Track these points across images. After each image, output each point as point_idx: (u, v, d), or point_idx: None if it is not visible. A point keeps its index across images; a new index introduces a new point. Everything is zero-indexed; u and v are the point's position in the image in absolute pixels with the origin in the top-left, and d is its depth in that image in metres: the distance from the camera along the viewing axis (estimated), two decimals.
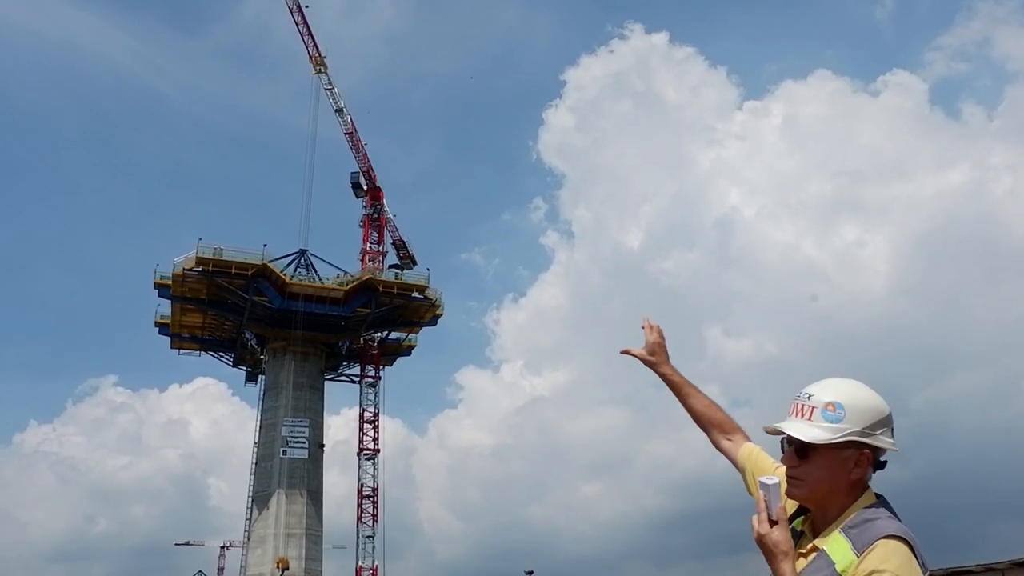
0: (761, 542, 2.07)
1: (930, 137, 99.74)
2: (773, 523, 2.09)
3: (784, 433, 2.19)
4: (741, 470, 2.59)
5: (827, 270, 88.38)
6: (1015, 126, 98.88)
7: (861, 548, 2.01)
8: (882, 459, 2.23)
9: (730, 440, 2.69)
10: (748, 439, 2.66)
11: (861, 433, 2.14)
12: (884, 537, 2.00)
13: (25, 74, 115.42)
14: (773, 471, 2.36)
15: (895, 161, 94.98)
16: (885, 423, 2.21)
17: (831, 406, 2.14)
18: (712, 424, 2.75)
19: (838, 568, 2.02)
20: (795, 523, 2.24)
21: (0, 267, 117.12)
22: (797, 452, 2.17)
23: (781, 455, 2.27)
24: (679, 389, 2.83)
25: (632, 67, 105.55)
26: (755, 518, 2.11)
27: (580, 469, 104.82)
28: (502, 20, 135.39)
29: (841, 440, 2.12)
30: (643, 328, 2.87)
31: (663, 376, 2.85)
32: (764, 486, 2.13)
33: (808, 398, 2.19)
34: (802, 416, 2.17)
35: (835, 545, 2.07)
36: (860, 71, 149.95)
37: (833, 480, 2.14)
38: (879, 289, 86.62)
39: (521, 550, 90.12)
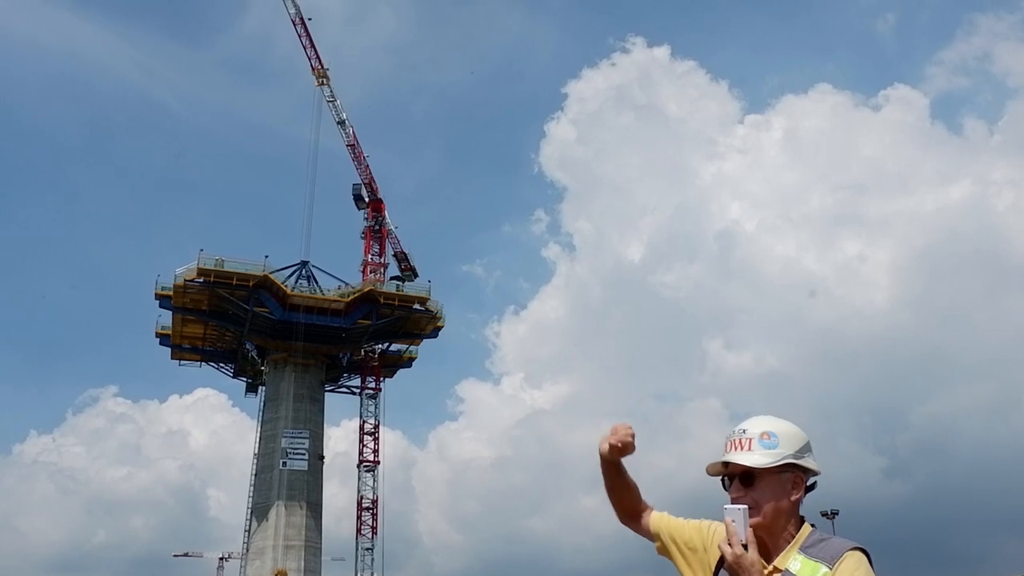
0: (737, 564, 2.17)
1: (931, 151, 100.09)
2: (743, 547, 2.21)
3: (733, 463, 2.37)
4: (655, 535, 2.71)
5: (828, 283, 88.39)
6: (1016, 141, 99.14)
7: (831, 560, 2.20)
8: (811, 481, 2.44)
9: (640, 517, 2.80)
10: (652, 509, 2.80)
11: (795, 456, 2.36)
12: (851, 549, 2.22)
13: (29, 84, 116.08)
14: (687, 527, 2.60)
15: (896, 175, 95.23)
16: (808, 448, 2.43)
17: (766, 435, 2.37)
18: (630, 515, 2.82)
19: None
20: None
21: (1, 275, 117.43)
22: (742, 481, 2.35)
23: (727, 492, 2.42)
24: (623, 479, 2.79)
25: (634, 80, 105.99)
26: (724, 544, 2.22)
27: (580, 481, 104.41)
28: (504, 32, 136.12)
29: (780, 463, 2.34)
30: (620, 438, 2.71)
31: (617, 466, 2.77)
32: (731, 511, 2.25)
33: (743, 432, 2.40)
34: (741, 448, 2.38)
35: (801, 565, 2.24)
36: (861, 85, 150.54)
37: (778, 504, 2.33)
38: (881, 302, 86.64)
39: (521, 563, 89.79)
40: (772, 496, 2.33)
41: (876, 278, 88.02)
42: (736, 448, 2.39)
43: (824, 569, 2.19)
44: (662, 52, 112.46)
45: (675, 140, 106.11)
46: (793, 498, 2.35)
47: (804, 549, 2.28)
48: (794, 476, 2.36)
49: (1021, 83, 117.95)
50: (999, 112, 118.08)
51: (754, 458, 2.33)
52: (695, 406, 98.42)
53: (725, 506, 2.29)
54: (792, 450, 2.36)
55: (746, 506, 2.27)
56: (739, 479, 2.36)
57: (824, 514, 35.27)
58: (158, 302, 48.51)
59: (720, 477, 2.47)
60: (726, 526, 2.23)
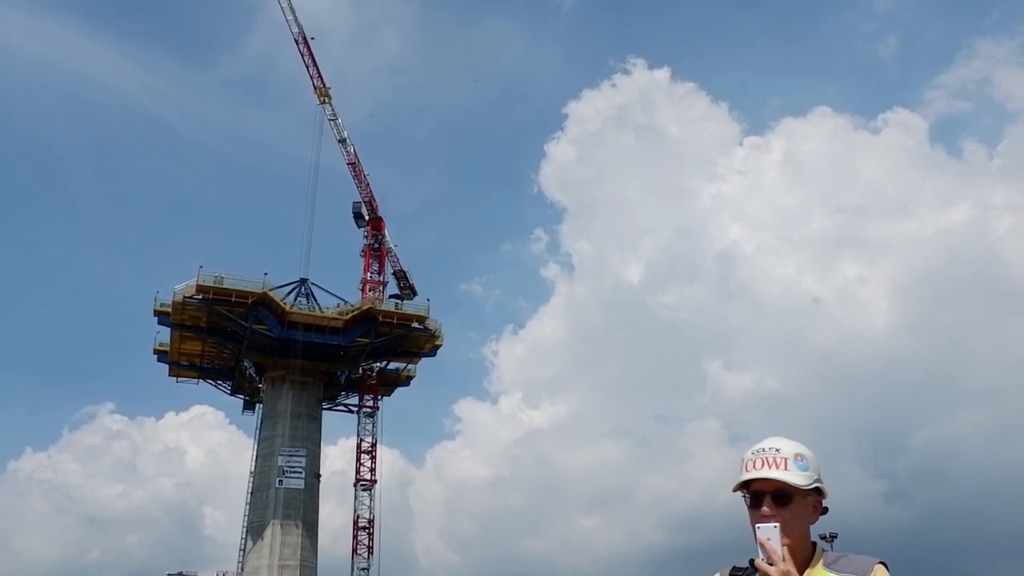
0: None
1: (931, 175, 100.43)
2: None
3: (772, 479, 2.36)
4: None
5: (828, 306, 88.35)
6: (1016, 165, 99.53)
7: (862, 574, 2.30)
8: (825, 504, 2.49)
9: None
10: None
11: (819, 480, 2.42)
12: (878, 563, 2.33)
13: (35, 101, 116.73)
14: None
15: (896, 198, 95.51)
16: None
17: (799, 456, 2.40)
18: None
19: None
20: None
21: (1, 291, 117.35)
22: (776, 500, 2.35)
23: (752, 510, 2.40)
24: None
25: (635, 101, 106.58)
26: (762, 562, 2.25)
27: (579, 502, 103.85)
28: (506, 54, 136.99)
29: (812, 486, 2.38)
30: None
31: None
32: (767, 530, 2.27)
33: (777, 451, 2.40)
34: (775, 467, 2.37)
35: None
36: (861, 108, 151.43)
37: (804, 525, 2.40)
38: (880, 325, 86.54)
39: None
40: (802, 517, 2.38)
41: (876, 301, 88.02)
42: (770, 466, 2.37)
43: None
44: (663, 74, 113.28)
45: (675, 161, 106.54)
46: (813, 521, 2.43)
47: (828, 566, 2.34)
48: (816, 500, 2.42)
49: (1021, 107, 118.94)
50: (999, 136, 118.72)
51: (792, 477, 2.35)
52: (695, 427, 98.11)
53: (759, 524, 2.30)
54: (817, 474, 2.42)
55: (779, 524, 2.29)
56: (772, 498, 2.36)
57: (823, 537, 34.77)
58: (156, 319, 48.46)
59: (743, 494, 2.46)
60: (762, 544, 2.25)
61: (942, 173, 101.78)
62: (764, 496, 2.37)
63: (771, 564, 2.23)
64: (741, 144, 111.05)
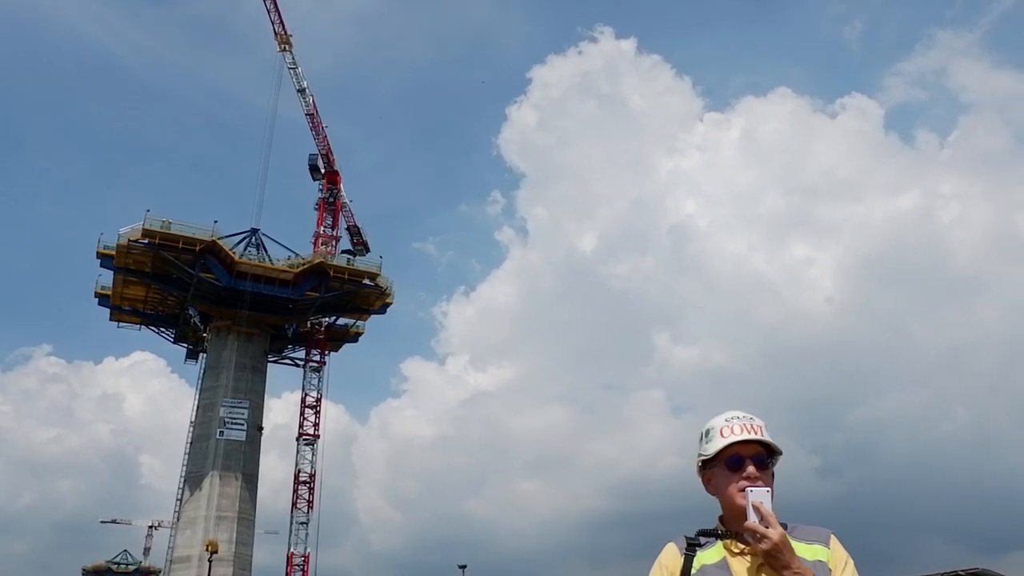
0: (784, 543, 2.20)
1: (884, 161, 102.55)
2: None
3: (764, 443, 2.41)
4: None
5: (776, 285, 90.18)
6: (965, 156, 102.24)
7: (824, 542, 2.38)
8: None
9: None
10: None
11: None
12: (832, 533, 2.42)
13: None
14: None
15: (848, 182, 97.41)
16: None
17: (766, 426, 2.46)
18: None
19: (824, 560, 2.33)
20: (713, 549, 2.39)
21: None
22: (757, 465, 2.38)
23: (730, 474, 2.40)
24: None
25: (600, 70, 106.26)
26: (756, 524, 2.23)
27: (521, 465, 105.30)
28: (474, 13, 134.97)
29: (782, 451, 2.47)
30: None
31: None
32: (760, 493, 2.27)
33: (751, 420, 2.45)
34: (753, 432, 2.41)
35: (803, 548, 2.32)
36: (821, 91, 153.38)
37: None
38: (825, 306, 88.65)
39: (457, 543, 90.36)
40: (772, 483, 2.41)
41: (822, 282, 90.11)
42: (751, 432, 2.40)
43: (823, 549, 2.35)
44: (629, 44, 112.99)
45: (636, 133, 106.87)
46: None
47: (791, 533, 2.33)
48: (773, 468, 2.47)
49: (974, 99, 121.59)
50: (951, 127, 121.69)
51: (773, 442, 2.42)
52: (640, 396, 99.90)
53: (751, 488, 2.29)
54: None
55: (770, 489, 2.32)
56: (754, 463, 2.38)
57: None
58: (99, 261, 47.16)
59: (700, 462, 2.49)
60: (757, 508, 2.23)
61: (894, 160, 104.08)
62: (744, 460, 2.38)
63: (768, 527, 2.21)
64: (702, 120, 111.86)
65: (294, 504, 49.39)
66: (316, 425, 51.15)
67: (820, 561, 2.31)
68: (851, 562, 2.37)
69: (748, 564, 2.31)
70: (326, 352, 53.62)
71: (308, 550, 48.57)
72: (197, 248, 45.37)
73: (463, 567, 47.73)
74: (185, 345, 55.11)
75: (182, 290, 47.81)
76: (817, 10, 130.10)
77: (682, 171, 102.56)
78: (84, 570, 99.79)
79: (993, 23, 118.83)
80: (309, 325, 52.59)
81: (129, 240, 44.98)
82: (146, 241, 44.96)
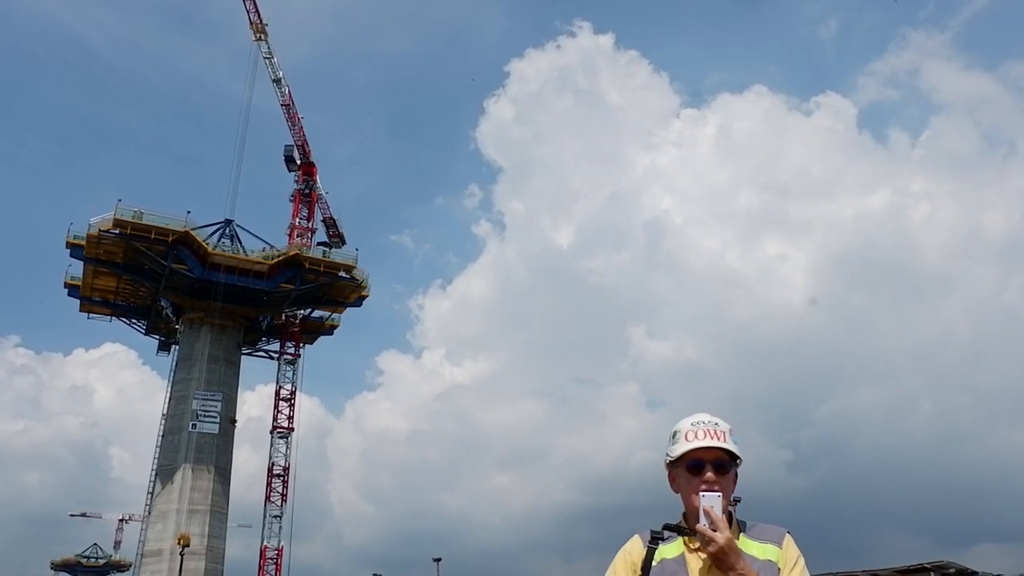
0: (730, 547, 2.34)
1: (856, 160, 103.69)
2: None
3: (723, 450, 2.51)
4: None
5: (749, 281, 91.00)
6: (936, 156, 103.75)
7: (778, 541, 2.50)
8: None
9: None
10: None
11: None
12: (787, 532, 2.54)
13: None
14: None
15: (821, 180, 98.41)
16: None
17: (732, 431, 2.57)
18: None
19: (773, 560, 2.46)
20: (674, 544, 2.53)
21: None
22: (716, 469, 2.50)
23: (690, 477, 2.52)
24: None
25: (577, 64, 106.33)
26: (705, 528, 2.36)
27: (495, 459, 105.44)
28: (452, 5, 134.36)
29: (742, 458, 2.57)
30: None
31: None
32: (711, 498, 2.39)
33: (716, 425, 2.56)
34: (717, 439, 2.52)
35: (755, 547, 2.48)
36: (796, 89, 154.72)
37: (731, 494, 2.56)
38: (797, 303, 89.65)
39: (431, 537, 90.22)
40: (732, 486, 2.54)
41: (794, 279, 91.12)
42: (713, 437, 2.52)
43: (774, 548, 2.48)
44: (607, 39, 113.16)
45: (613, 128, 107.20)
46: (733, 490, 2.59)
47: (747, 533, 2.52)
48: (735, 471, 2.58)
49: (945, 100, 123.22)
50: (923, 126, 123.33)
51: (733, 448, 2.53)
52: (613, 391, 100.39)
53: (703, 493, 2.41)
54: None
55: (721, 493, 2.43)
56: (714, 467, 2.50)
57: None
58: (69, 251, 46.43)
59: (669, 462, 2.61)
60: (707, 512, 2.36)
61: (867, 159, 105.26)
62: (704, 465, 2.50)
63: (715, 531, 2.34)
64: (678, 116, 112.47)
65: (268, 497, 49.10)
66: (290, 418, 50.86)
67: (770, 560, 2.45)
68: (801, 560, 2.50)
69: (703, 561, 2.44)
70: (301, 345, 53.29)
71: (281, 543, 48.37)
72: (169, 239, 44.83)
73: (438, 560, 47.76)
74: (157, 337, 54.52)
75: (154, 281, 47.22)
76: (793, 9, 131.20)
77: (658, 167, 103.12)
78: (52, 564, 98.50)
79: (964, 25, 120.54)
80: (284, 317, 52.21)
81: (100, 230, 44.32)
82: (117, 231, 44.31)
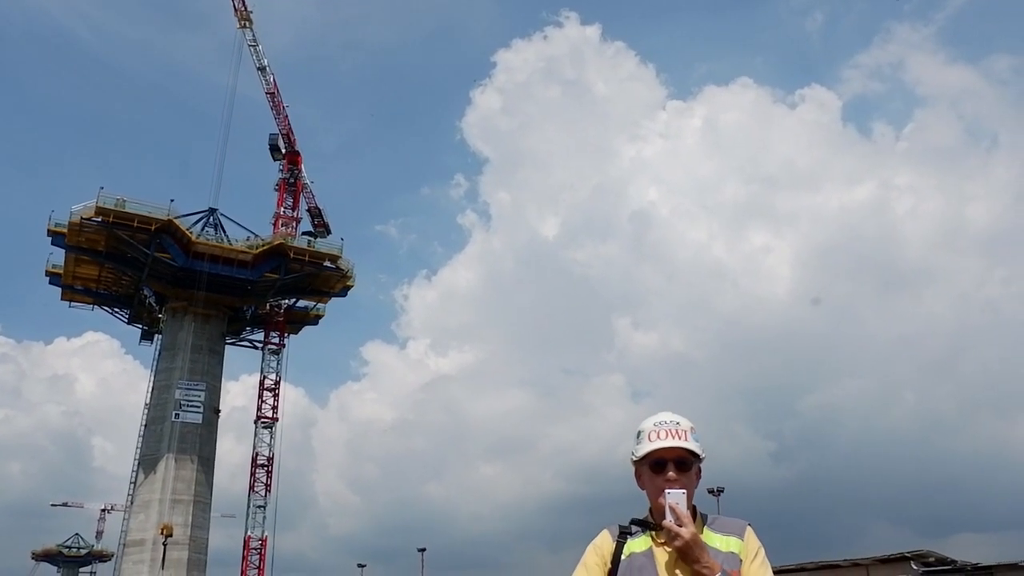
0: (695, 541, 2.44)
1: (841, 152, 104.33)
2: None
3: (683, 448, 2.60)
4: None
5: (735, 273, 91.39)
6: (920, 149, 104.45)
7: (739, 534, 2.61)
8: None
9: None
10: None
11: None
12: (747, 524, 2.65)
13: None
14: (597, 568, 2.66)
15: (806, 173, 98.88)
16: None
17: (693, 429, 2.67)
18: None
19: (736, 552, 2.56)
20: (642, 539, 2.61)
21: None
22: (678, 467, 2.59)
23: (653, 476, 2.61)
24: None
25: (564, 55, 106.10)
26: (671, 523, 2.45)
27: (481, 449, 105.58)
28: None
29: (703, 455, 2.66)
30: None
31: None
32: (676, 495, 2.49)
33: (677, 424, 2.65)
34: (679, 438, 2.62)
35: (719, 540, 2.58)
36: (781, 81, 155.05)
37: (694, 490, 2.65)
38: (782, 295, 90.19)
39: (416, 527, 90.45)
40: (694, 483, 2.64)
41: (779, 270, 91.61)
42: (675, 437, 2.62)
43: (736, 540, 2.58)
44: (594, 30, 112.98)
45: (600, 119, 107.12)
46: (697, 485, 2.68)
47: (709, 526, 2.62)
48: (698, 467, 2.68)
49: (929, 93, 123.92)
50: (907, 119, 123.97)
51: (693, 447, 2.62)
52: (600, 381, 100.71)
53: (668, 490, 2.50)
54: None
55: (685, 490, 2.53)
56: (676, 465, 2.59)
57: (710, 491, 36.90)
58: (51, 239, 45.89)
59: (634, 460, 2.70)
60: (672, 509, 2.46)
61: (851, 151, 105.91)
62: (667, 463, 2.60)
63: (680, 526, 2.44)
64: (664, 108, 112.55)
65: (251, 488, 48.92)
66: (275, 408, 50.69)
67: (732, 552, 2.56)
68: (762, 551, 2.62)
69: (668, 555, 2.55)
70: (285, 334, 53.04)
71: (265, 533, 48.24)
72: (153, 227, 44.41)
73: (422, 550, 47.81)
74: (140, 326, 54.11)
75: (137, 270, 46.80)
76: (780, 1, 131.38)
77: (644, 158, 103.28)
78: (34, 554, 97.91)
79: (948, 19, 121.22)
80: (268, 307, 51.92)
81: (82, 218, 43.84)
82: (99, 219, 43.86)
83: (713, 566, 2.44)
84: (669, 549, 2.52)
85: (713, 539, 2.57)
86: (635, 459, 2.69)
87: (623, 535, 2.63)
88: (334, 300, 54.03)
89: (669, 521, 2.46)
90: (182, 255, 45.71)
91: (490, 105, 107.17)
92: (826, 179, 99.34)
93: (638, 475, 2.72)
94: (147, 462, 45.78)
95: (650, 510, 2.67)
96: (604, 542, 2.67)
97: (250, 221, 66.63)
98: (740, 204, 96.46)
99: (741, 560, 2.55)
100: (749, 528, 2.65)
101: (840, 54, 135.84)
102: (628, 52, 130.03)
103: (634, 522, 2.65)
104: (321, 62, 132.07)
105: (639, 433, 2.70)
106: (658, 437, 2.62)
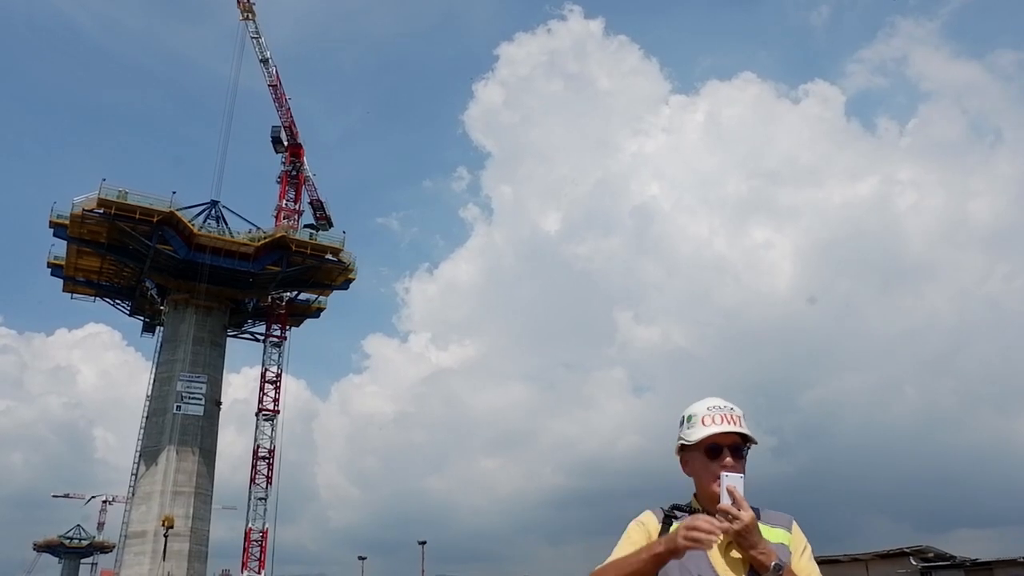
0: (754, 525, 2.38)
1: (844, 147, 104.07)
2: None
3: (741, 435, 2.57)
4: None
5: (736, 268, 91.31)
6: (924, 144, 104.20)
7: (787, 527, 2.59)
8: None
9: None
10: None
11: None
12: (793, 519, 2.62)
13: None
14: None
15: (809, 168, 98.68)
16: None
17: (744, 416, 2.63)
18: None
19: (785, 543, 2.53)
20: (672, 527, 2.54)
21: None
22: (734, 453, 2.55)
23: (708, 461, 2.56)
24: None
25: (568, 48, 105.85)
26: (730, 506, 2.37)
27: (482, 443, 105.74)
28: None
29: (757, 441, 2.63)
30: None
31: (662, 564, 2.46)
32: (734, 478, 2.42)
33: (731, 410, 2.62)
34: (733, 424, 2.57)
35: (766, 531, 2.50)
36: (785, 76, 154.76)
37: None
38: (783, 290, 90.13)
39: (417, 520, 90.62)
40: (744, 469, 2.57)
41: (781, 265, 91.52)
42: (730, 423, 2.57)
43: (784, 532, 2.56)
44: (597, 24, 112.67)
45: (602, 113, 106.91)
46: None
47: (758, 517, 2.52)
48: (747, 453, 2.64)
49: (933, 88, 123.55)
50: (911, 114, 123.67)
51: (750, 433, 2.59)
52: (601, 375, 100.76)
53: (725, 473, 2.44)
54: None
55: (743, 475, 2.47)
56: (731, 451, 2.54)
57: None
58: (52, 231, 45.90)
59: (680, 447, 2.65)
60: (731, 492, 2.39)
61: (855, 146, 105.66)
62: (722, 449, 2.55)
63: (739, 510, 2.38)
64: (667, 102, 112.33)
65: (253, 480, 49.04)
66: (276, 400, 50.76)
67: (783, 544, 2.53)
68: (809, 548, 2.60)
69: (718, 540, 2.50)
70: (287, 327, 53.10)
71: (266, 526, 48.37)
72: (155, 219, 44.41)
73: (423, 543, 47.91)
74: (141, 318, 54.15)
75: (139, 262, 46.83)
76: None
77: (647, 153, 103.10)
78: (35, 545, 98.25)
79: (952, 13, 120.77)
80: (270, 300, 51.95)
81: (83, 209, 43.85)
82: (101, 211, 43.87)
83: (770, 552, 2.41)
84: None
85: (764, 530, 2.50)
86: (688, 444, 2.61)
87: (668, 518, 2.59)
88: (335, 293, 54.12)
89: (727, 504, 2.40)
90: (184, 247, 45.74)
91: (492, 98, 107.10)
92: (829, 174, 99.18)
93: (684, 462, 2.66)
94: (148, 454, 45.89)
95: (695, 495, 2.63)
96: (650, 520, 2.62)
97: (252, 214, 66.71)
98: (742, 199, 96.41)
99: (791, 552, 2.53)
100: (795, 522, 2.63)
101: (844, 49, 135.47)
102: (632, 46, 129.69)
103: (674, 507, 2.61)
104: (323, 55, 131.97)
105: (689, 418, 2.64)
106: (713, 422, 2.58)
